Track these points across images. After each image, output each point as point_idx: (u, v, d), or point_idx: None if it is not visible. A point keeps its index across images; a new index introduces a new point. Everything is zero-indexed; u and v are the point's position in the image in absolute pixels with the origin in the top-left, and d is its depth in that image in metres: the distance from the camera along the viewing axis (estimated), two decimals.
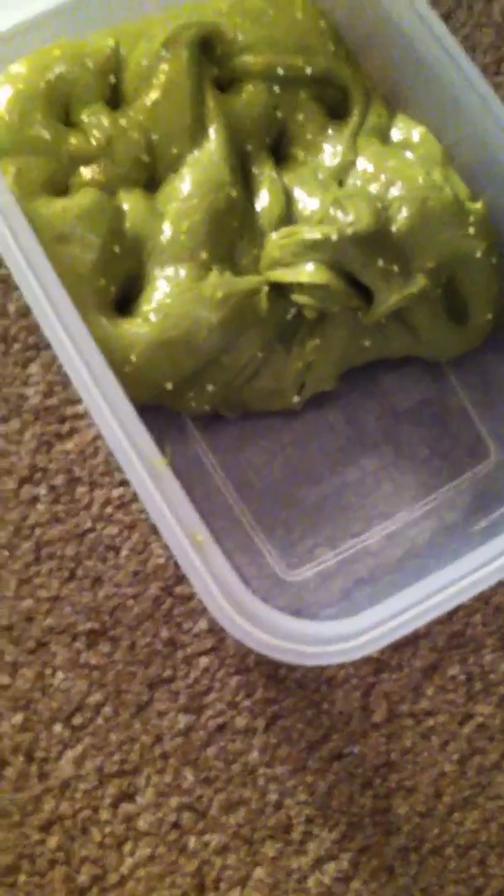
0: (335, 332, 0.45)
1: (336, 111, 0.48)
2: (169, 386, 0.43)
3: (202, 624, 0.44)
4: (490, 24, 0.52)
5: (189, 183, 0.44)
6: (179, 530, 0.37)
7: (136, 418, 0.38)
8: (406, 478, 0.46)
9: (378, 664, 0.44)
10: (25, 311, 0.47)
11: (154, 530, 0.45)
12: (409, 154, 0.46)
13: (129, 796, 0.43)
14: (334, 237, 0.43)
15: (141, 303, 0.44)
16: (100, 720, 0.43)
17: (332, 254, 0.43)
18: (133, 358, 0.42)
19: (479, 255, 0.45)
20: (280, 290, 0.44)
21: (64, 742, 0.43)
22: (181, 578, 0.44)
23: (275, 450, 0.46)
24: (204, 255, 0.44)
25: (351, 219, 0.43)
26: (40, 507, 0.45)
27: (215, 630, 0.44)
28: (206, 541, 0.37)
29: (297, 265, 0.44)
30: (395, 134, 0.47)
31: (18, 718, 0.43)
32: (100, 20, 0.46)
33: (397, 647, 0.44)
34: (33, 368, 0.47)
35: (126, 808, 0.42)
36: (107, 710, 0.43)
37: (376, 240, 0.43)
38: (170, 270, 0.44)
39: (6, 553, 0.44)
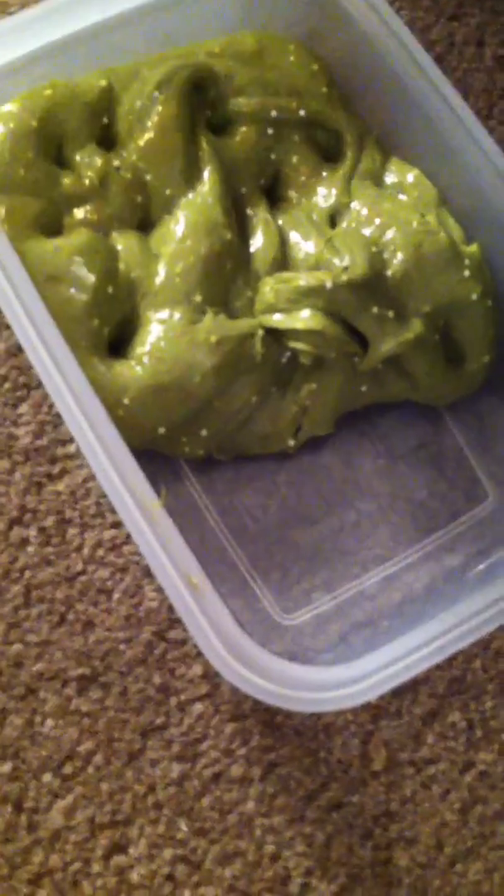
0: (331, 378, 0.45)
1: (330, 154, 0.48)
2: (162, 430, 0.43)
3: (196, 669, 0.43)
4: (482, 68, 0.53)
5: (183, 225, 0.44)
6: (175, 573, 0.36)
7: (130, 459, 0.37)
8: (403, 521, 0.46)
9: (377, 711, 0.43)
10: (15, 351, 0.47)
11: (147, 573, 0.44)
12: (403, 197, 0.46)
13: (121, 848, 0.41)
14: (329, 284, 0.43)
15: (135, 345, 0.43)
16: (91, 769, 0.42)
17: (328, 300, 0.43)
18: (126, 401, 0.42)
19: (474, 298, 0.45)
20: (275, 334, 0.44)
21: (54, 792, 0.42)
22: (174, 622, 0.43)
23: (270, 492, 0.46)
24: (198, 298, 0.43)
25: (346, 263, 0.43)
26: (30, 549, 0.44)
27: (209, 676, 0.43)
28: (202, 584, 0.36)
29: (293, 311, 0.44)
30: (389, 177, 0.47)
31: (7, 767, 0.42)
32: (91, 61, 0.46)
33: (396, 693, 0.43)
34: (24, 408, 0.46)
35: (118, 860, 0.41)
36: (98, 758, 0.42)
37: (371, 285, 0.43)
38: (164, 313, 0.43)
39: None
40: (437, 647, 0.37)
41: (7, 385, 0.46)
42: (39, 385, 0.46)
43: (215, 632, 0.36)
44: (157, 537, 0.36)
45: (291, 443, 0.45)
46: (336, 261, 0.44)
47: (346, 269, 0.43)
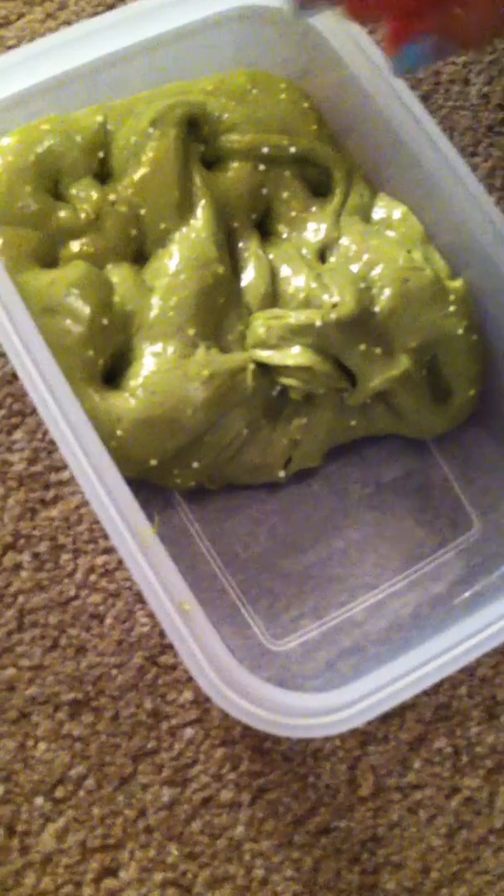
0: (321, 413, 0.46)
1: (319, 189, 0.49)
2: (153, 462, 0.44)
3: (187, 694, 0.44)
4: (467, 106, 0.54)
5: (177, 259, 0.45)
6: (166, 599, 0.37)
7: (124, 487, 0.38)
8: (390, 549, 0.46)
9: (364, 737, 0.44)
10: (10, 378, 0.47)
11: (139, 598, 0.45)
12: (390, 233, 0.48)
13: (111, 871, 0.42)
14: (319, 323, 0.44)
15: (128, 377, 0.44)
16: (82, 793, 0.42)
17: (317, 338, 0.44)
18: (119, 433, 0.43)
19: (459, 332, 0.46)
20: (265, 368, 0.45)
21: (46, 815, 0.42)
22: (165, 648, 0.44)
23: (260, 520, 0.46)
24: (191, 332, 0.44)
25: (335, 300, 0.44)
26: (24, 573, 0.45)
27: (200, 701, 0.44)
28: (194, 609, 0.37)
29: (283, 347, 0.44)
30: (377, 212, 0.49)
31: None
32: (88, 96, 0.47)
33: (384, 719, 0.43)
34: (18, 435, 0.47)
35: (109, 883, 0.42)
36: (89, 782, 0.42)
37: (359, 322, 0.44)
38: (157, 346, 0.44)
39: None
40: (423, 673, 0.37)
41: (2, 412, 0.47)
42: (34, 412, 0.47)
43: (206, 657, 0.36)
44: (149, 564, 0.37)
45: (281, 474, 0.46)
46: (325, 297, 0.45)
47: (334, 306, 0.44)
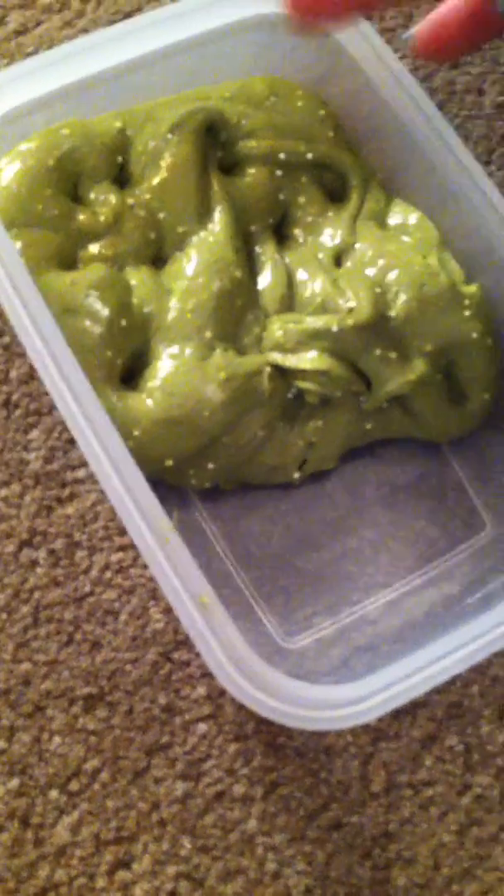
0: (337, 416, 0.46)
1: (335, 195, 0.50)
2: (169, 463, 0.44)
3: (200, 690, 0.44)
4: (482, 115, 0.55)
5: (195, 263, 0.46)
6: (185, 592, 0.37)
7: (143, 484, 0.38)
8: (404, 548, 0.47)
9: (376, 733, 0.44)
10: (27, 378, 0.48)
11: (153, 595, 0.45)
12: (405, 238, 0.48)
13: (125, 864, 0.42)
14: (335, 328, 0.44)
15: (146, 378, 0.44)
16: (96, 786, 0.43)
17: (334, 342, 0.45)
18: (136, 433, 0.43)
19: (475, 336, 0.46)
20: (282, 371, 0.45)
21: (60, 808, 0.42)
22: (180, 644, 0.45)
23: (275, 518, 0.47)
24: (209, 334, 0.45)
25: (351, 304, 0.45)
26: (39, 570, 0.45)
27: (213, 696, 0.44)
28: (212, 603, 0.37)
29: (300, 351, 0.45)
30: (393, 218, 0.49)
31: (14, 783, 0.43)
32: (107, 101, 0.48)
33: (396, 716, 0.44)
34: (35, 434, 0.47)
35: (122, 875, 0.42)
36: (104, 776, 0.43)
37: (375, 327, 0.45)
38: (175, 348, 0.45)
39: (4, 616, 0.44)
40: (440, 668, 0.38)
41: (19, 411, 0.48)
42: (50, 411, 0.48)
43: (224, 650, 0.37)
44: (168, 559, 0.37)
45: (296, 475, 0.47)
46: (342, 301, 0.45)
47: (351, 310, 0.45)
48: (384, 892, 0.43)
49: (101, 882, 0.42)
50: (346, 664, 0.45)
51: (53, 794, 0.43)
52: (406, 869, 0.43)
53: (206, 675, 0.44)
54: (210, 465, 0.45)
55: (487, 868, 0.43)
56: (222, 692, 0.44)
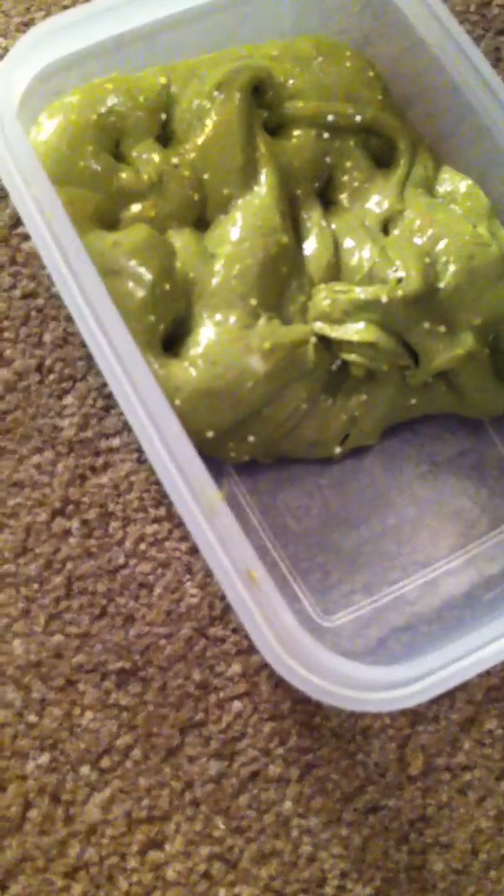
0: (382, 390, 0.45)
1: (382, 160, 0.48)
2: (210, 434, 0.43)
3: (236, 667, 0.43)
4: None
5: (240, 227, 0.44)
6: (232, 566, 0.36)
7: (192, 451, 0.37)
8: (444, 527, 0.46)
9: (414, 716, 0.43)
10: (61, 342, 0.47)
11: (188, 569, 0.44)
12: (454, 207, 0.47)
13: (157, 844, 0.41)
14: (384, 299, 0.43)
15: (189, 345, 0.43)
16: (129, 763, 0.42)
17: (383, 314, 0.43)
18: (177, 402, 0.42)
19: None
20: (327, 342, 0.44)
21: (91, 785, 0.41)
22: (215, 619, 0.43)
23: (312, 494, 0.46)
24: (253, 302, 0.43)
25: (400, 275, 0.43)
26: (72, 540, 0.44)
27: (248, 674, 0.43)
28: (262, 577, 0.36)
29: (347, 322, 0.44)
30: (442, 185, 0.48)
31: (45, 759, 0.41)
32: (146, 58, 0.46)
33: (435, 698, 0.43)
34: (69, 400, 0.46)
35: (154, 855, 0.41)
36: (136, 753, 0.42)
37: (424, 299, 0.43)
38: (219, 316, 0.43)
39: (36, 586, 0.43)
40: (489, 653, 0.37)
41: (53, 376, 0.46)
42: (85, 377, 0.46)
43: (272, 628, 0.36)
44: (216, 531, 0.36)
45: (338, 450, 0.45)
46: (390, 271, 0.44)
47: (400, 281, 0.43)
48: (420, 878, 0.42)
49: (132, 862, 0.41)
50: (383, 644, 0.44)
51: (84, 770, 0.41)
52: (443, 854, 0.42)
53: (242, 651, 0.43)
54: (251, 438, 0.44)
55: None
56: (258, 670, 0.43)
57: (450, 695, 0.44)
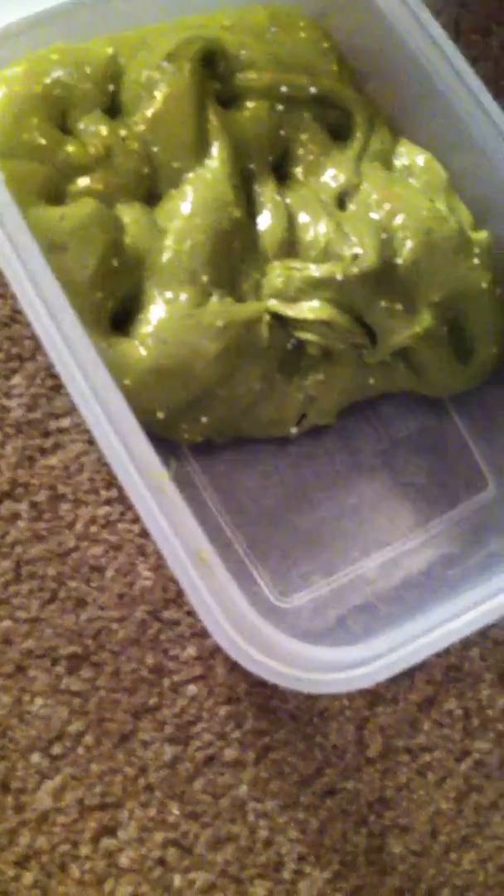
0: (339, 369, 0.44)
1: (339, 133, 0.47)
2: (161, 415, 0.42)
3: (190, 650, 0.42)
4: (489, 56, 0.53)
5: (191, 201, 0.43)
6: (182, 547, 0.35)
7: (138, 430, 0.36)
8: (403, 506, 0.45)
9: (373, 697, 0.43)
10: (8, 321, 0.45)
11: (141, 551, 0.43)
12: (412, 181, 0.46)
13: (110, 831, 0.40)
14: (339, 276, 0.42)
15: (138, 324, 0.42)
16: (80, 750, 0.41)
17: (338, 292, 0.43)
18: (126, 382, 0.41)
19: (484, 286, 0.44)
20: (282, 320, 0.43)
21: (42, 772, 0.41)
22: (169, 602, 0.43)
23: (270, 474, 0.45)
24: (205, 279, 0.42)
25: (356, 251, 0.42)
26: (21, 523, 0.43)
27: (203, 657, 0.42)
28: (212, 559, 0.35)
29: (302, 300, 0.43)
30: (399, 159, 0.47)
31: None
32: (95, 28, 0.45)
33: (393, 678, 0.42)
34: (16, 380, 0.45)
35: (107, 843, 0.40)
36: (88, 739, 0.41)
37: (381, 276, 0.43)
38: (170, 293, 0.42)
39: None
40: (446, 630, 0.36)
41: (0, 355, 0.45)
42: (33, 356, 0.45)
43: (223, 610, 0.35)
44: (165, 511, 0.35)
45: (294, 430, 0.45)
46: (346, 247, 0.43)
47: (355, 257, 0.42)
48: (380, 861, 0.41)
49: (84, 850, 0.40)
50: (343, 624, 0.43)
51: (35, 757, 0.41)
52: (402, 836, 0.42)
53: (196, 634, 0.42)
54: (203, 419, 0.43)
55: (486, 836, 0.42)
56: (213, 653, 0.42)
57: (408, 675, 0.43)
